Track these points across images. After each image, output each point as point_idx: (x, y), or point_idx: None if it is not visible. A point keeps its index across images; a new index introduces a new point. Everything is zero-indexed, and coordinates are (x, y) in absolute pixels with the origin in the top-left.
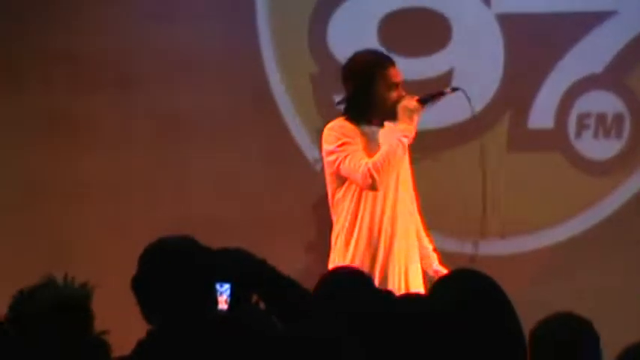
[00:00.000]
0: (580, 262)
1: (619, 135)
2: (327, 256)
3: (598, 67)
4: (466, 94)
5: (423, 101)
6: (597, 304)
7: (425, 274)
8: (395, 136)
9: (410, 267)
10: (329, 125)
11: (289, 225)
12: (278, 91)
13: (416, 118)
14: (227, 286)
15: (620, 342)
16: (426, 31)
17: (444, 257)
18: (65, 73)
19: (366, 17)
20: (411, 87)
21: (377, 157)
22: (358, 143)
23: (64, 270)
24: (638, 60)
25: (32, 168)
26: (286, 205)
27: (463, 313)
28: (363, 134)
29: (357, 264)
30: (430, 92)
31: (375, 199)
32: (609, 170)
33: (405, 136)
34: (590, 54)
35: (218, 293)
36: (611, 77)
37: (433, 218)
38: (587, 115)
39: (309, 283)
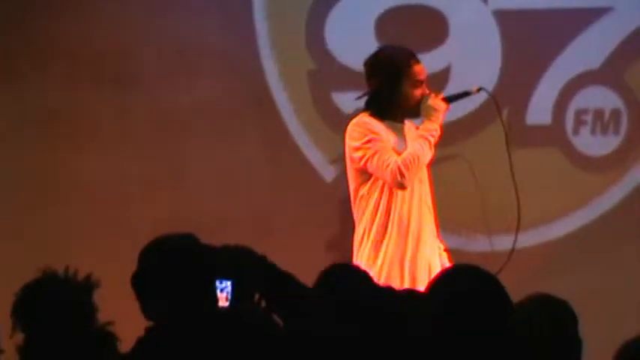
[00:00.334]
0: (577, 259)
1: (616, 131)
2: (324, 252)
3: (595, 64)
4: (492, 95)
5: (449, 100)
6: (595, 300)
7: None
8: (422, 134)
9: (432, 263)
10: (354, 121)
11: (287, 222)
12: (275, 89)
13: (441, 117)
14: (228, 283)
15: (618, 337)
16: (423, 28)
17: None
18: (63, 70)
19: (364, 14)
20: None
21: (406, 155)
22: (385, 139)
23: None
24: (636, 56)
25: (29, 165)
26: (284, 203)
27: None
28: (389, 130)
29: (388, 261)
30: (456, 92)
31: (403, 196)
32: (607, 166)
33: (432, 135)
34: (588, 50)
35: (219, 290)
36: (609, 73)
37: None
38: (585, 112)
39: (307, 280)
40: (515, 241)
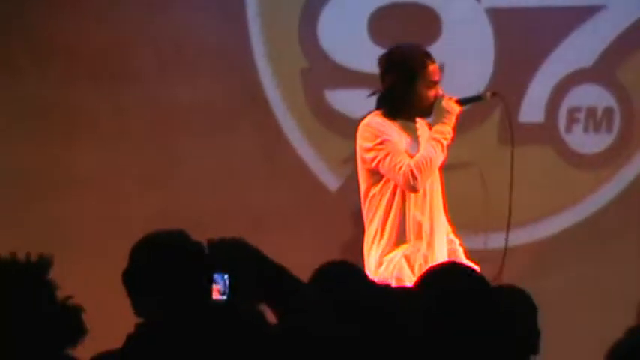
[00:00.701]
0: (569, 256)
1: (609, 129)
2: (320, 250)
3: (588, 61)
4: (504, 101)
5: (462, 102)
6: (587, 297)
7: None
8: (435, 137)
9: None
10: (366, 121)
11: (280, 219)
12: (269, 86)
13: (453, 119)
14: (223, 275)
15: (609, 334)
16: (415, 26)
17: None
18: (60, 67)
19: (357, 12)
20: None
21: (418, 158)
22: (397, 140)
23: (58, 263)
24: (628, 54)
25: (25, 160)
26: (277, 200)
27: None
28: (401, 130)
29: (402, 261)
30: (469, 95)
31: (416, 197)
32: (599, 164)
33: (445, 138)
34: (580, 48)
35: (215, 282)
36: (601, 71)
37: None
38: (578, 109)
39: (301, 278)
40: (507, 240)
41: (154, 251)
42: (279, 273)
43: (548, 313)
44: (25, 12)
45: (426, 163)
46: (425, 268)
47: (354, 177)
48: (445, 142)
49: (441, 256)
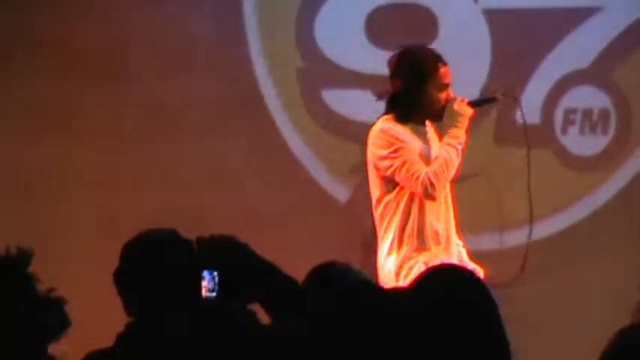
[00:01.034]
0: (564, 258)
1: (605, 131)
2: (316, 248)
3: (584, 63)
4: (519, 102)
5: (474, 105)
6: (581, 298)
7: None
8: (449, 142)
9: (460, 259)
10: (379, 127)
11: (275, 216)
12: (265, 86)
13: (466, 122)
14: (212, 273)
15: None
16: (413, 26)
17: None
18: (54, 64)
19: (354, 12)
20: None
21: (436, 165)
22: (411, 147)
23: (54, 261)
24: (624, 56)
25: (20, 158)
26: (272, 199)
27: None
28: (413, 135)
29: (422, 268)
30: (481, 97)
31: (432, 202)
32: (595, 166)
33: (459, 143)
34: (577, 50)
35: (204, 280)
36: (598, 73)
37: None
38: (574, 111)
39: (294, 274)
40: (529, 236)
41: (144, 250)
42: (269, 270)
43: (545, 313)
44: (20, 10)
45: (443, 170)
46: None
47: (351, 177)
48: (459, 147)
49: (455, 260)
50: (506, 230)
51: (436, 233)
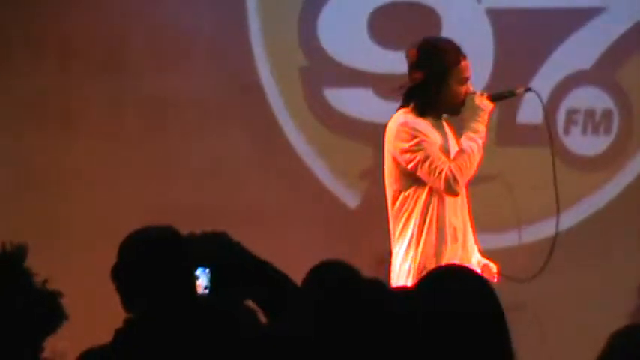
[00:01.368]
0: (567, 258)
1: (607, 131)
2: (314, 248)
3: (587, 63)
4: (539, 96)
5: (494, 99)
6: (583, 299)
7: None
8: (472, 136)
9: (471, 260)
10: (401, 120)
11: (276, 213)
12: (267, 84)
13: (487, 117)
14: (206, 270)
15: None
16: (416, 26)
17: None
18: (54, 57)
19: (357, 11)
20: (401, 81)
21: (459, 160)
22: (433, 141)
23: (53, 256)
24: (627, 56)
25: (20, 153)
26: (273, 197)
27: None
28: (434, 129)
29: (442, 262)
30: (502, 91)
31: (450, 198)
32: (597, 166)
33: (481, 138)
34: (579, 50)
35: (197, 277)
36: (600, 73)
37: None
38: (576, 111)
39: (294, 273)
40: (556, 230)
41: (142, 247)
42: (261, 267)
43: (545, 313)
44: (20, 4)
45: (466, 164)
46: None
47: (351, 175)
48: (481, 142)
49: (473, 258)
50: (507, 232)
51: (455, 230)
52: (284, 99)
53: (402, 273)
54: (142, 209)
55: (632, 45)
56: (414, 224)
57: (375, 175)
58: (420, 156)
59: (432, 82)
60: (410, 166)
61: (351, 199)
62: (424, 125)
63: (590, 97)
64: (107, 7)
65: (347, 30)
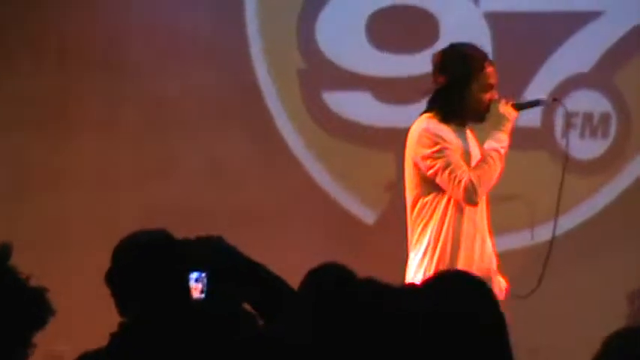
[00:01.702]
0: (563, 261)
1: (605, 135)
2: (312, 247)
3: (585, 67)
4: (565, 107)
5: (519, 108)
6: (580, 303)
7: None
8: (494, 146)
9: (491, 268)
10: (423, 126)
11: (274, 218)
12: (265, 86)
13: (510, 126)
14: (202, 274)
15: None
16: (414, 29)
17: None
18: (54, 57)
19: (355, 14)
20: (398, 84)
21: (479, 171)
22: (454, 148)
23: (51, 255)
24: (626, 60)
25: (19, 151)
26: (271, 198)
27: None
28: (457, 136)
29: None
30: (527, 100)
31: (470, 207)
32: (595, 170)
33: (503, 147)
34: (578, 53)
35: (193, 281)
36: (598, 77)
37: None
38: (574, 115)
39: (292, 274)
40: (554, 232)
41: (135, 251)
42: (257, 270)
43: (544, 316)
44: (19, 4)
45: (486, 175)
46: (485, 274)
47: (349, 177)
48: (503, 151)
49: (491, 260)
50: (506, 235)
51: (473, 240)
52: (282, 101)
53: (416, 282)
54: (138, 209)
55: (630, 48)
56: (431, 231)
57: (373, 177)
58: (440, 163)
59: (454, 87)
60: (430, 173)
61: (349, 202)
62: (446, 132)
63: (589, 101)
64: (106, 9)
65: (345, 33)
